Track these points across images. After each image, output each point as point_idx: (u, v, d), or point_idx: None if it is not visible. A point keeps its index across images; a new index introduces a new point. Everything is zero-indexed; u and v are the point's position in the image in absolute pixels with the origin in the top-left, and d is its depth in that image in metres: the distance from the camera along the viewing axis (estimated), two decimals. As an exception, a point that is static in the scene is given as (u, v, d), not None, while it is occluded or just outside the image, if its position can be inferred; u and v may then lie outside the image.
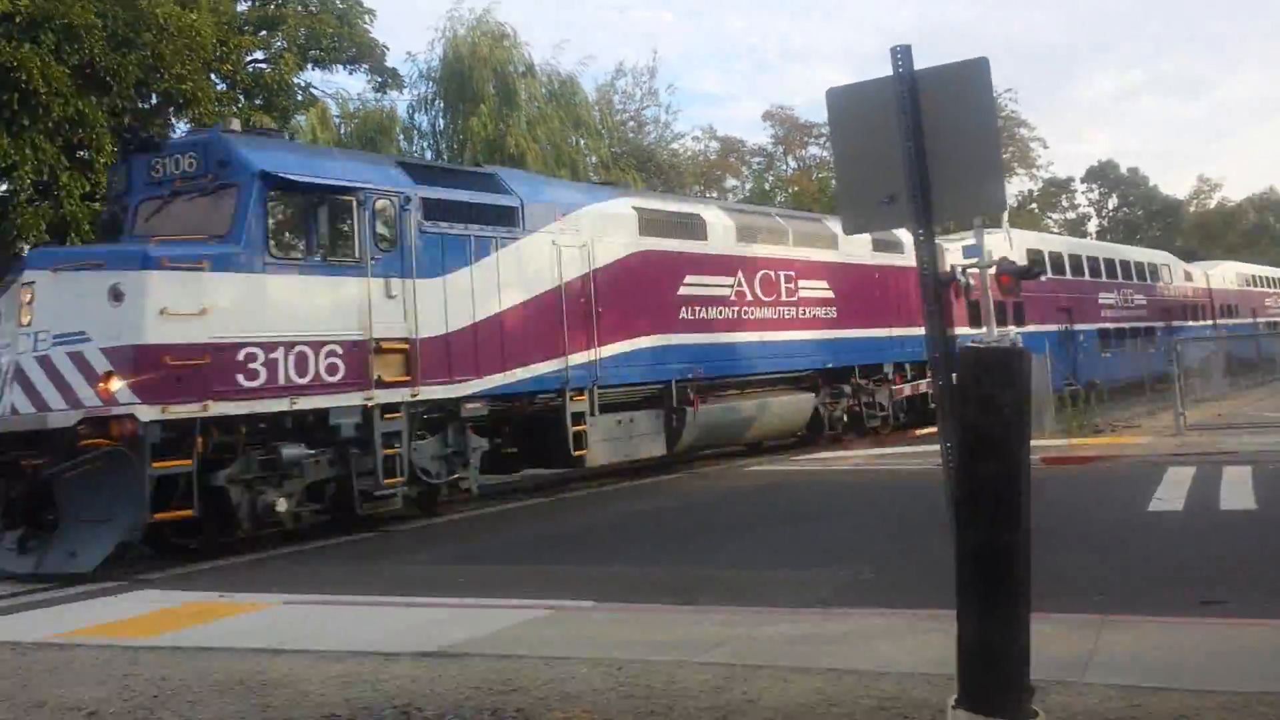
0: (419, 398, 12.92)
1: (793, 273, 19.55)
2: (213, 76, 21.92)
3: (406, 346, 12.80)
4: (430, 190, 13.56)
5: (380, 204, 12.81)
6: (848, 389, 20.82)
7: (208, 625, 8.17)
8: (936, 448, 6.89)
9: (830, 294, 20.36)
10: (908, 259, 19.04)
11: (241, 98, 22.99)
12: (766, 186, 47.49)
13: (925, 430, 20.84)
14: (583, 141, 32.28)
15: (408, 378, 12.79)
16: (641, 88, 43.76)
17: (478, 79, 28.72)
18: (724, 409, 17.97)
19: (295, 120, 25.63)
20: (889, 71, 6.15)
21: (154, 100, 21.17)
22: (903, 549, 9.91)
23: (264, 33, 24.66)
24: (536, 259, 14.72)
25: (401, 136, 30.38)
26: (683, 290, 17.25)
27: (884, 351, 21.60)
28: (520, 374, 14.26)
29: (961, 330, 22.91)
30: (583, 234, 15.43)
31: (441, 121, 30.38)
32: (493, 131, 28.02)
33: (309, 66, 25.84)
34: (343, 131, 28.93)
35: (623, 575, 9.61)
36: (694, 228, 17.97)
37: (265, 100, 23.06)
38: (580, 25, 68.64)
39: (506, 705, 5.74)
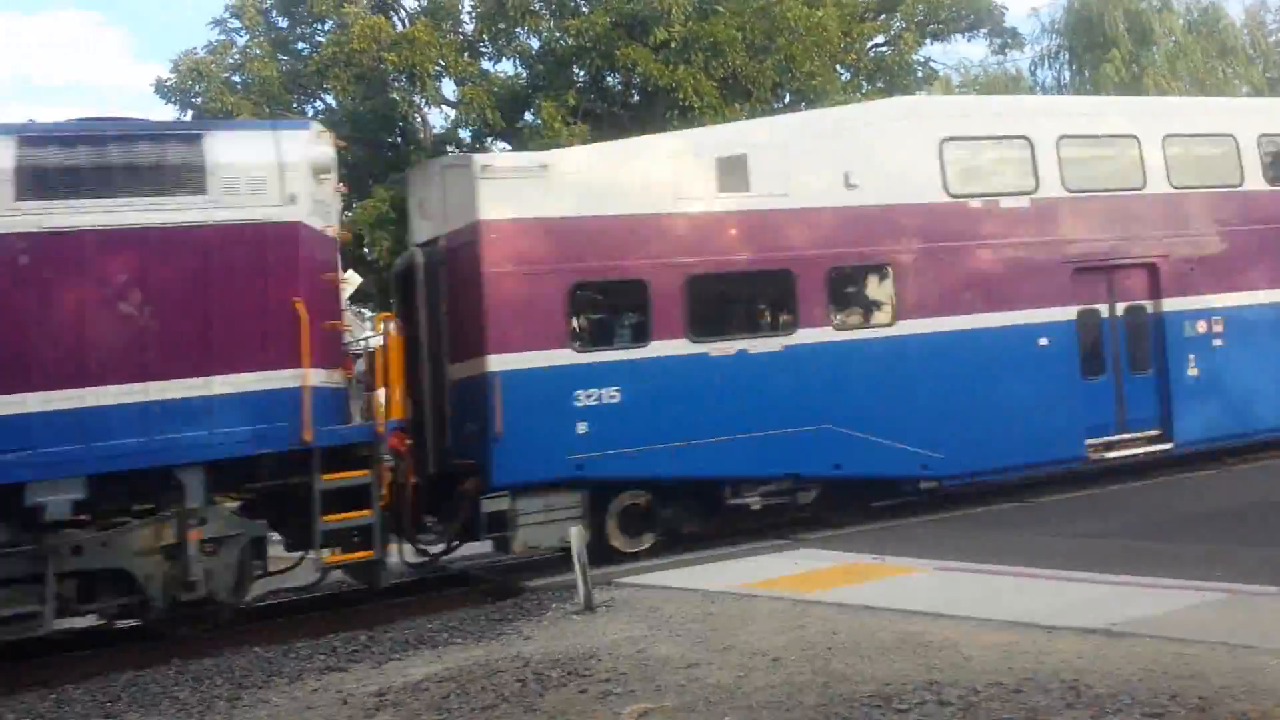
0: None
1: None
2: (838, 68, 23.03)
3: None
4: None
5: None
6: None
7: (868, 584, 8.73)
8: None
9: None
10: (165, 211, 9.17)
11: (864, 84, 23.87)
12: None
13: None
14: (1231, 70, 28.63)
15: None
16: (1301, -2, 37.57)
17: (1108, 22, 26.78)
18: None
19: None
20: None
21: (787, 99, 22.82)
22: None
23: (883, 16, 25.31)
24: None
25: (1024, 97, 29.39)
26: None
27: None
28: None
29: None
30: None
31: (1067, 74, 28.90)
32: (1126, 75, 26.00)
33: (927, 41, 26.02)
34: (964, 101, 28.75)
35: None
36: None
37: (887, 82, 23.70)
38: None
39: (1186, 691, 5.41)
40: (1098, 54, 27.08)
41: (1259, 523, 10.46)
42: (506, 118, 21.00)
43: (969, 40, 27.29)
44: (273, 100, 20.72)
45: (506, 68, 23.11)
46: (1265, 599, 7.38)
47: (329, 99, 22.05)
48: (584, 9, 21.47)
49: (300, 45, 22.86)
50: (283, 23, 22.89)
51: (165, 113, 30.40)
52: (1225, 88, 27.70)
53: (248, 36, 21.99)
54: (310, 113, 22.50)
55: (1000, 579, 8.60)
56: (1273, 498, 11.80)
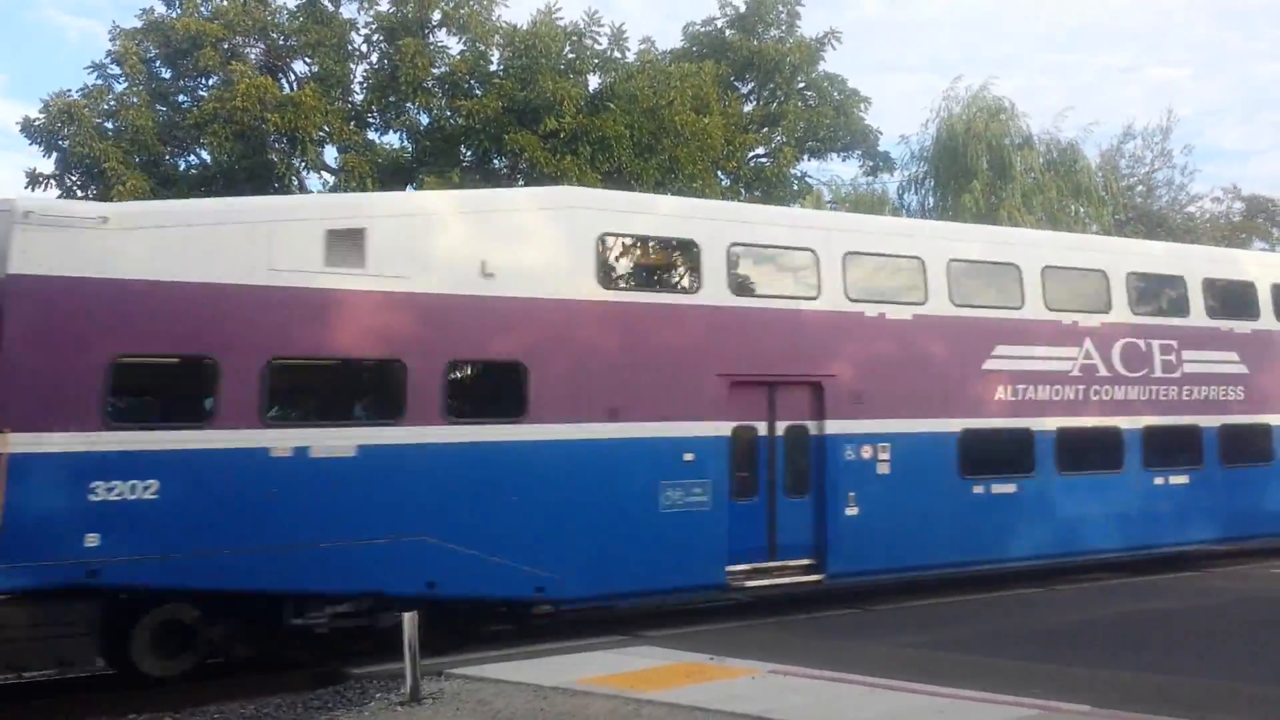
0: None
1: None
2: (719, 173, 23.71)
3: None
4: None
5: None
6: None
7: (702, 685, 8.70)
8: None
9: None
10: None
11: (742, 191, 24.61)
12: (1303, 249, 41.37)
13: None
14: (1083, 210, 30.51)
15: None
16: (1152, 149, 40.48)
17: (971, 154, 28.37)
18: None
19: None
20: None
21: (668, 198, 23.35)
22: None
23: (765, 129, 26.27)
24: None
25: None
26: None
27: None
28: None
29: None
30: None
31: (931, 199, 30.32)
32: (984, 205, 27.44)
33: (805, 157, 27.05)
34: (835, 216, 29.85)
35: (1122, 681, 8.90)
36: None
37: (764, 192, 24.48)
38: (1086, 88, 65.08)
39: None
40: (960, 183, 28.53)
41: (1085, 642, 10.82)
42: (386, 189, 20.89)
43: (844, 160, 28.47)
44: (143, 150, 20.20)
45: (393, 140, 23.13)
46: (1075, 717, 7.65)
47: (204, 154, 21.61)
48: (477, 92, 21.70)
49: (181, 98, 22.42)
50: (166, 74, 22.44)
51: (29, 154, 29.36)
52: (1077, 226, 29.42)
53: (126, 84, 21.47)
54: (183, 166, 22.00)
55: (829, 685, 8.68)
56: (1100, 619, 12.22)
